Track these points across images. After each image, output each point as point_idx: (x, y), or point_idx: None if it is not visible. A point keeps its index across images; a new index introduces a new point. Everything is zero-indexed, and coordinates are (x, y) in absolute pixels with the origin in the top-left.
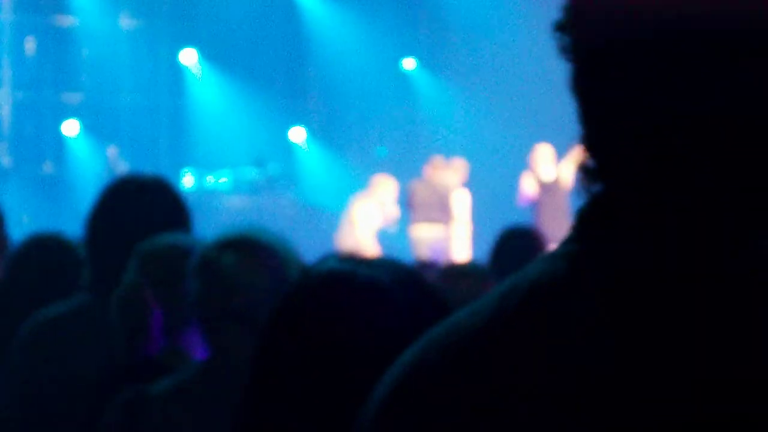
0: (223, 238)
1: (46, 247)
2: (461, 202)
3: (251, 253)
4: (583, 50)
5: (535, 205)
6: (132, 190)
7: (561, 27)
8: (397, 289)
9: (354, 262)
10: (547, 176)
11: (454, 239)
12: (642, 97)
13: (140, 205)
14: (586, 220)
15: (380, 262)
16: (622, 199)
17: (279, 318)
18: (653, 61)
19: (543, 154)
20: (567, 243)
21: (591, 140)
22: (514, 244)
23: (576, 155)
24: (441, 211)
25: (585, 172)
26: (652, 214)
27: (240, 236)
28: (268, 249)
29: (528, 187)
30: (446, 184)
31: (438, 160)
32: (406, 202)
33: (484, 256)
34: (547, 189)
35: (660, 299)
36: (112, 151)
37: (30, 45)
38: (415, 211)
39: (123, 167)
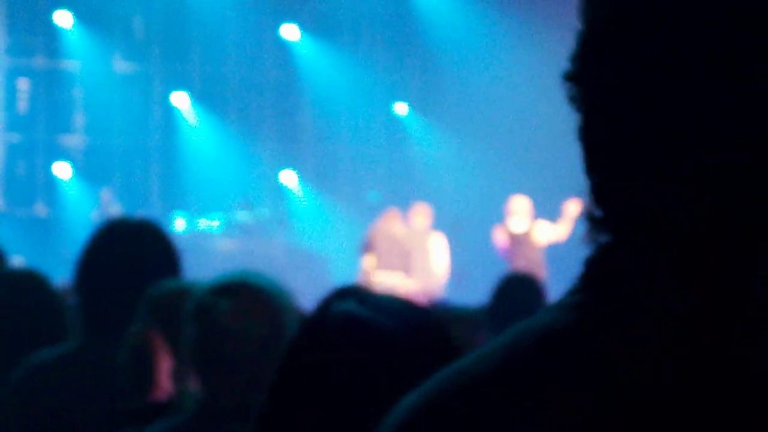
0: (219, 284)
1: (18, 288)
2: (437, 246)
3: (247, 299)
4: (593, 100)
5: (507, 255)
6: (121, 233)
7: (570, 77)
8: (413, 336)
9: (371, 305)
10: (518, 228)
11: (424, 283)
12: (652, 145)
13: (130, 249)
14: (593, 270)
15: (396, 304)
16: (630, 249)
17: (293, 358)
18: (665, 107)
19: (517, 205)
20: (574, 293)
21: (598, 189)
22: (515, 291)
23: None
24: (400, 258)
25: (592, 221)
26: (661, 265)
27: (236, 282)
28: (264, 295)
29: (499, 238)
30: (413, 230)
31: (393, 210)
32: (362, 249)
33: (472, 300)
34: (518, 241)
35: (672, 353)
36: (106, 193)
37: (23, 87)
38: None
39: (116, 210)
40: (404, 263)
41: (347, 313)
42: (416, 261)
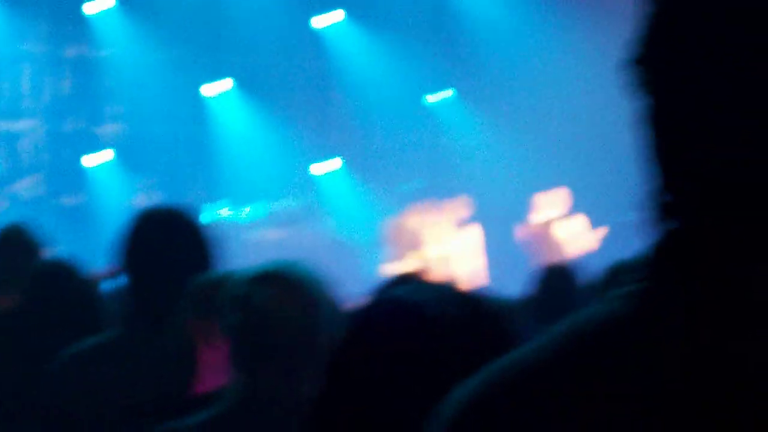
0: (257, 273)
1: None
2: (472, 238)
3: (285, 288)
4: (665, 83)
5: (528, 249)
6: (156, 223)
7: (640, 60)
8: (468, 324)
9: (425, 293)
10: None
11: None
12: (725, 128)
13: (165, 238)
14: (659, 257)
15: (450, 293)
16: (698, 236)
17: (348, 344)
18: (742, 95)
19: (543, 199)
20: (640, 280)
21: (667, 173)
22: (556, 281)
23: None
24: (415, 249)
25: (660, 206)
26: (729, 254)
27: (274, 271)
28: (302, 284)
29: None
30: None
31: (416, 206)
32: (387, 239)
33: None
34: (539, 234)
35: (740, 343)
36: (144, 181)
37: (58, 76)
38: (396, 248)
39: (155, 198)
40: (420, 257)
41: (400, 299)
42: (441, 253)
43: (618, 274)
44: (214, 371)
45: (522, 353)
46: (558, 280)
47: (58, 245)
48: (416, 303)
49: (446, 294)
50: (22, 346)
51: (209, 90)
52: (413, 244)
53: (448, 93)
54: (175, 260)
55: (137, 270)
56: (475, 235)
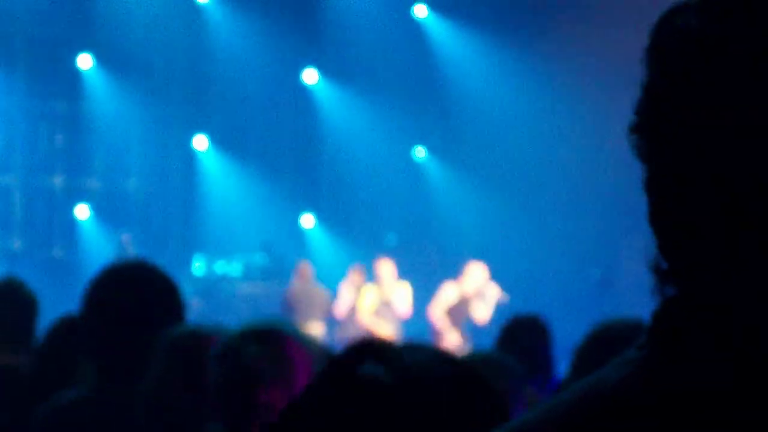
0: (248, 328)
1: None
2: (400, 295)
3: (276, 345)
4: (660, 153)
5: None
6: (122, 277)
7: (636, 129)
8: (451, 401)
9: (399, 369)
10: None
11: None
12: (720, 203)
13: (133, 293)
14: (658, 325)
15: (429, 363)
16: (694, 304)
17: (311, 418)
18: (739, 166)
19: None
20: (641, 347)
21: (664, 241)
22: (521, 334)
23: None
24: (320, 311)
25: (658, 273)
26: (723, 323)
27: (265, 327)
28: (292, 341)
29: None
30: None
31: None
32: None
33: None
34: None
35: (728, 421)
36: (126, 237)
37: (42, 130)
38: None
39: (135, 253)
40: (324, 315)
41: (376, 382)
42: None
43: (608, 336)
44: (196, 423)
45: (529, 418)
46: (528, 335)
47: (40, 299)
48: (387, 383)
49: (422, 365)
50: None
51: (196, 144)
52: (313, 304)
53: (423, 150)
54: (147, 313)
55: (106, 324)
56: (405, 291)
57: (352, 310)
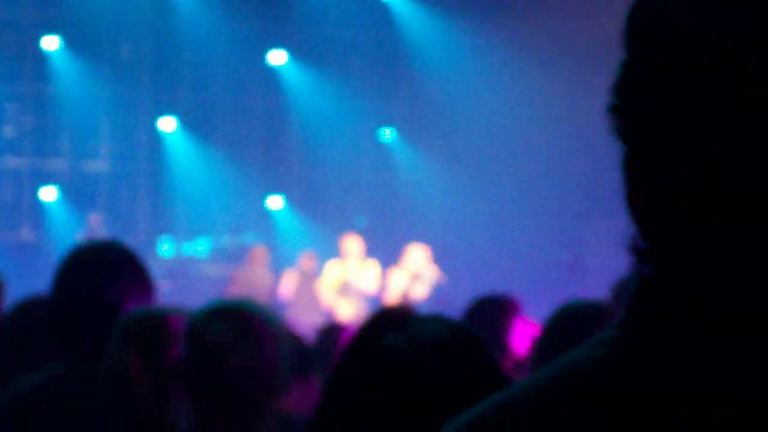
0: (213, 308)
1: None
2: (368, 274)
3: (242, 324)
4: (638, 133)
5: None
6: (90, 257)
7: (614, 109)
8: (459, 370)
9: (417, 339)
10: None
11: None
12: (696, 180)
13: (101, 273)
14: (636, 304)
15: (443, 332)
16: (673, 283)
17: (339, 390)
18: (715, 144)
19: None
20: (618, 326)
21: (642, 221)
22: (487, 312)
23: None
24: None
25: (636, 253)
26: (699, 300)
27: (230, 307)
28: (258, 321)
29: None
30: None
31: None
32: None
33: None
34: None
35: (700, 399)
36: (94, 218)
37: (10, 111)
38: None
39: (103, 234)
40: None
41: (394, 351)
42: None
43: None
44: (156, 403)
45: (508, 395)
46: (496, 313)
47: (6, 281)
48: (404, 352)
49: (436, 334)
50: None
51: (163, 126)
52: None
53: (391, 131)
54: (111, 295)
55: (71, 304)
56: (373, 269)
57: (306, 293)
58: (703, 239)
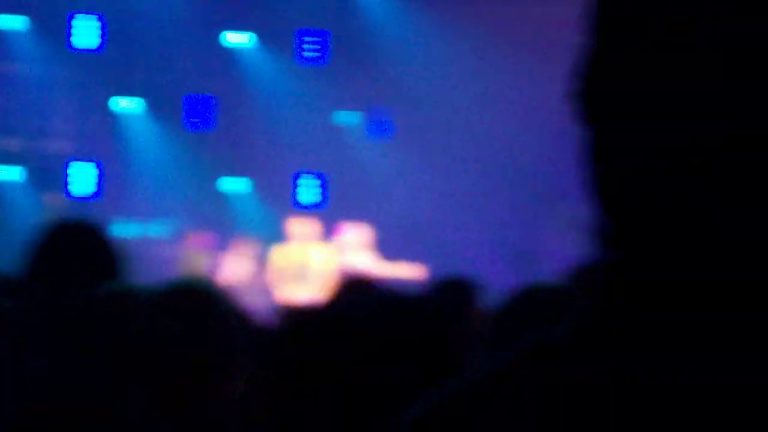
0: (166, 287)
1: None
2: (321, 256)
3: (193, 304)
4: (601, 117)
5: None
6: (63, 236)
7: (576, 93)
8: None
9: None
10: None
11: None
12: (660, 163)
13: (72, 252)
14: (603, 287)
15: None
16: (641, 266)
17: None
18: (679, 125)
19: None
20: (585, 309)
21: (606, 204)
22: (445, 294)
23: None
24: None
25: (601, 236)
26: (672, 283)
27: (182, 286)
28: (210, 300)
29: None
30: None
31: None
32: None
33: None
34: None
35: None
36: (52, 197)
37: None
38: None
39: (62, 214)
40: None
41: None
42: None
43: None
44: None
45: (473, 379)
46: (452, 296)
47: None
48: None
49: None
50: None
51: (119, 105)
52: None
53: (351, 112)
54: (82, 273)
55: (43, 281)
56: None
57: (248, 277)
58: (675, 223)
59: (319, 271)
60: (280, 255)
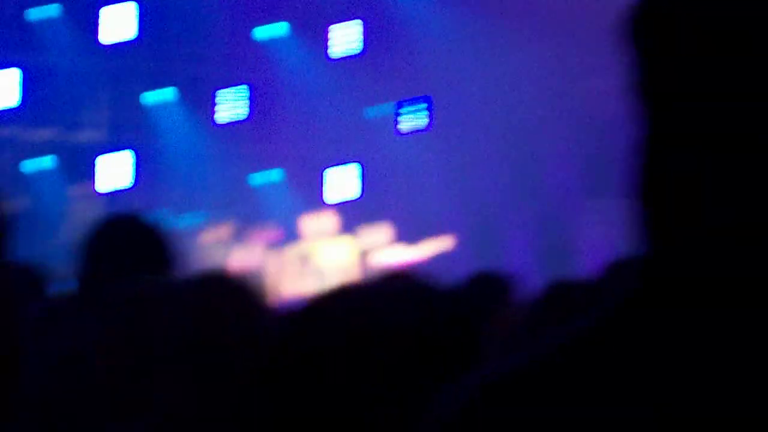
0: (194, 278)
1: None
2: (338, 250)
3: (223, 294)
4: (653, 112)
5: None
6: (121, 231)
7: (632, 87)
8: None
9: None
10: None
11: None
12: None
13: (131, 245)
14: (642, 274)
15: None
16: (690, 259)
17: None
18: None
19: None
20: (627, 297)
21: (661, 201)
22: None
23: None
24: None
25: (644, 227)
26: (721, 277)
27: (211, 276)
28: (239, 290)
29: None
30: None
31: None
32: None
33: None
34: None
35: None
36: (79, 189)
37: (2, 81)
38: None
39: (93, 204)
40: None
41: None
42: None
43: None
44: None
45: (518, 359)
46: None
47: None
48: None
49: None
50: None
51: (150, 98)
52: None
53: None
54: (138, 268)
55: (98, 276)
56: (345, 246)
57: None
58: (727, 219)
59: (334, 268)
60: (294, 252)
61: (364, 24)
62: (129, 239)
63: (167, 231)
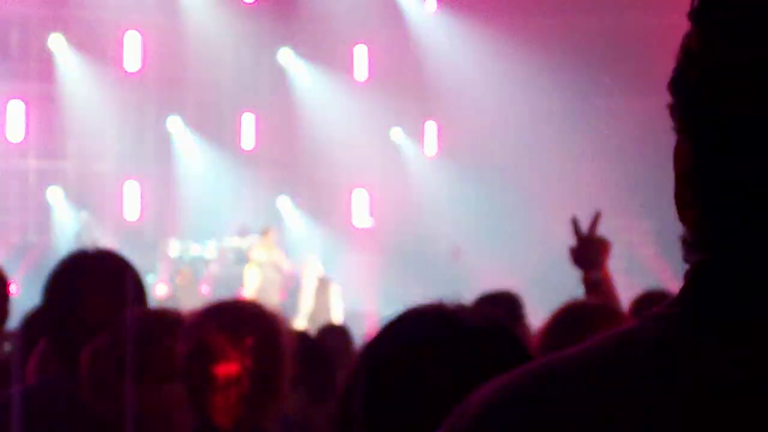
0: (211, 306)
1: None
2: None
3: (241, 322)
4: (696, 132)
5: None
6: (82, 266)
7: (678, 104)
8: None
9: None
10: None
11: None
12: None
13: (93, 281)
14: (686, 286)
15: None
16: (717, 269)
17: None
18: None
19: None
20: (672, 305)
21: (704, 215)
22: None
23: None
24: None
25: (684, 244)
26: (744, 285)
27: (228, 305)
28: (258, 318)
29: None
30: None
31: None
32: None
33: None
34: None
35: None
36: (83, 216)
37: (16, 111)
38: None
39: (96, 233)
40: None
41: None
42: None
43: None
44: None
45: (552, 360)
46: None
47: (13, 281)
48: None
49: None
50: None
51: (169, 126)
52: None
53: (401, 133)
54: (107, 301)
55: (66, 313)
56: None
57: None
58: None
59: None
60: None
61: (380, 49)
62: (97, 275)
63: (132, 265)
